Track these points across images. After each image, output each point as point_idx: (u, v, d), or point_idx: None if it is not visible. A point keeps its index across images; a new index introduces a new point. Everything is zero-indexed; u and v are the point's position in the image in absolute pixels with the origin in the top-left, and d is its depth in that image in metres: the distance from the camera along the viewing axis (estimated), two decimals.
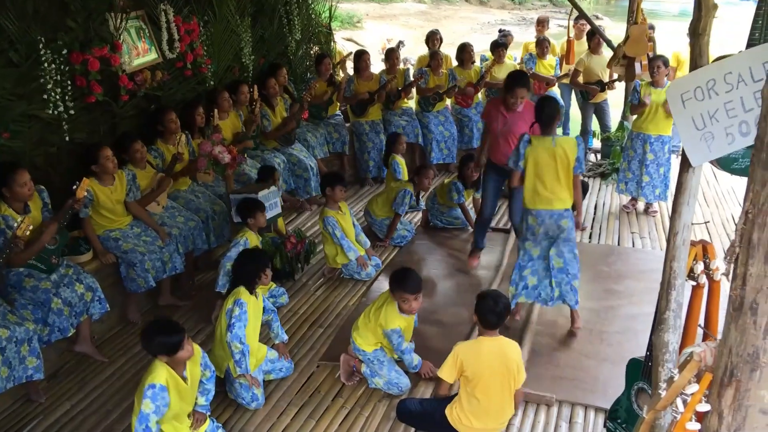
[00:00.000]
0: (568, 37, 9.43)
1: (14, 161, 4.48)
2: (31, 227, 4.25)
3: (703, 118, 2.47)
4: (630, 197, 7.43)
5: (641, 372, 3.26)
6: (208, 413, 3.90)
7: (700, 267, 2.58)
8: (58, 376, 4.65)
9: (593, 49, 8.78)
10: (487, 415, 3.66)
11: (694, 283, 2.62)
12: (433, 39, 9.08)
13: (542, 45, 9.21)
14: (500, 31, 10.09)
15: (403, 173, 7.24)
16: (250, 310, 4.24)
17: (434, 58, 8.50)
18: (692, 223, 2.42)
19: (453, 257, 6.37)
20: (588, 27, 9.19)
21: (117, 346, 5.02)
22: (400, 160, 7.27)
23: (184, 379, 3.63)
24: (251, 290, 4.30)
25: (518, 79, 5.53)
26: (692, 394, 1.63)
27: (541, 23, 10.05)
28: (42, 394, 4.42)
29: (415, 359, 4.46)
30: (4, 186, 4.35)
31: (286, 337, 4.67)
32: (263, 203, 5.49)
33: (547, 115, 4.84)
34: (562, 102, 9.18)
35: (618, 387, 3.63)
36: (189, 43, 6.26)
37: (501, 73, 8.68)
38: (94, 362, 4.80)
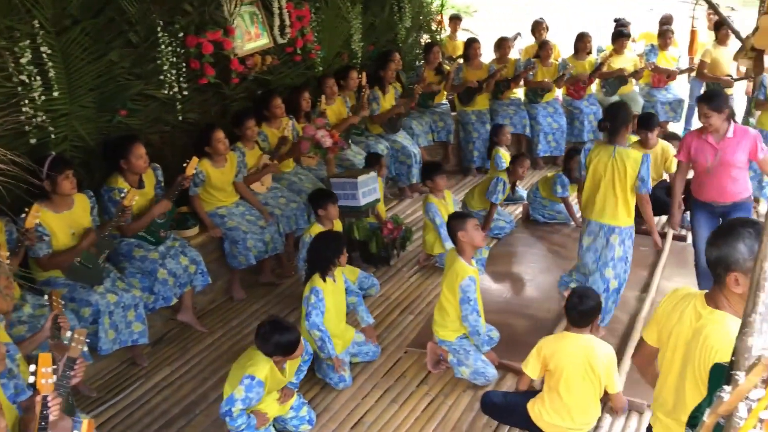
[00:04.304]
0: (692, 27, 8.93)
1: (132, 134, 4.77)
2: (137, 198, 4.52)
3: None
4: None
5: (724, 377, 3.05)
6: (296, 389, 4.02)
7: None
8: (162, 342, 4.93)
9: (720, 40, 8.26)
10: (569, 414, 3.56)
11: None
12: (538, 28, 8.83)
13: (665, 36, 8.77)
14: (616, 20, 9.66)
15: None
16: (329, 295, 4.30)
17: (543, 48, 8.26)
18: None
19: (553, 252, 6.21)
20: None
21: (216, 318, 5.26)
22: (504, 153, 7.01)
23: (283, 370, 3.75)
24: (326, 275, 4.31)
25: (705, 97, 4.85)
26: (758, 399, 1.53)
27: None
28: (145, 359, 4.70)
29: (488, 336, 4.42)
30: (122, 158, 4.64)
31: (372, 321, 4.71)
32: (335, 194, 5.28)
33: (613, 123, 4.59)
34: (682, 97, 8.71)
35: None
36: (300, 29, 6.41)
37: (618, 64, 8.36)
38: (194, 332, 5.05)
